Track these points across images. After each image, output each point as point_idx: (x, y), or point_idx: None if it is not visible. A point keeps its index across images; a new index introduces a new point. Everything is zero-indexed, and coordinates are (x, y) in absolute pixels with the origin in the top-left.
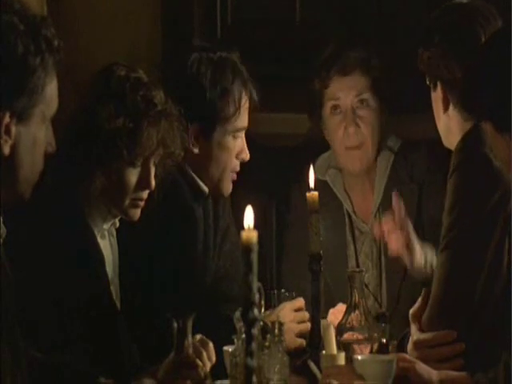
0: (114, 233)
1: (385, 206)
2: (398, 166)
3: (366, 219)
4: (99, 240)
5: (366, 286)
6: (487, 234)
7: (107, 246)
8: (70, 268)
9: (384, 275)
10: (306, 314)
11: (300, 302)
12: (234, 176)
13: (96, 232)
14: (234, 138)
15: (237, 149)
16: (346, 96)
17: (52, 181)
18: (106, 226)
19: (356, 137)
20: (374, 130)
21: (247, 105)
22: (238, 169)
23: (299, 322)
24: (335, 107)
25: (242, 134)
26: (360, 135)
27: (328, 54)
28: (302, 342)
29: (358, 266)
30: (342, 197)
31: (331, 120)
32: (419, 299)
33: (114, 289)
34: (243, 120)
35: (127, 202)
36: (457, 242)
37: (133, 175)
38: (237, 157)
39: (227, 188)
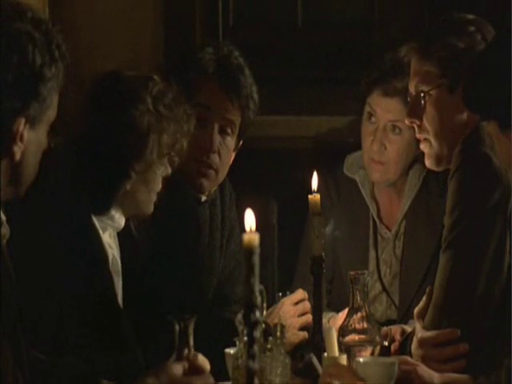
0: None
1: (410, 216)
2: (429, 179)
3: (389, 226)
4: (108, 237)
5: (386, 290)
6: (488, 234)
7: (115, 245)
8: (73, 268)
9: (399, 284)
10: (307, 305)
11: (298, 294)
12: None
13: (107, 232)
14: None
15: None
16: (382, 115)
17: (59, 182)
18: (121, 223)
19: (379, 154)
20: (401, 154)
21: None
22: None
23: (300, 315)
24: (370, 115)
25: None
26: (385, 155)
27: (376, 74)
28: (304, 334)
29: (378, 271)
30: (368, 200)
31: (365, 123)
32: (423, 298)
33: (118, 285)
34: None
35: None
36: (458, 243)
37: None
38: None
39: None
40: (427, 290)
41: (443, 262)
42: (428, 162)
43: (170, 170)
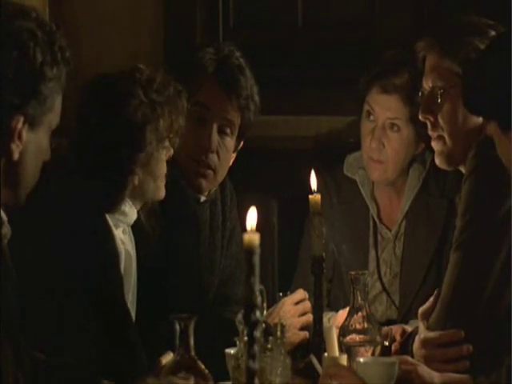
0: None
1: (410, 216)
2: (429, 179)
3: (389, 226)
4: (121, 233)
5: (386, 290)
6: (499, 239)
7: (129, 240)
8: (83, 267)
9: (399, 283)
10: (307, 305)
11: (299, 294)
12: None
13: (120, 228)
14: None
15: None
16: (380, 113)
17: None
18: (133, 217)
19: (378, 153)
20: (399, 152)
21: None
22: None
23: (301, 315)
24: (369, 113)
25: None
26: (383, 154)
27: (375, 71)
28: (305, 334)
29: (378, 271)
30: (368, 200)
31: (364, 122)
32: (430, 299)
33: (135, 286)
34: None
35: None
36: (468, 245)
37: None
38: None
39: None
40: (435, 292)
41: (452, 263)
42: (438, 160)
43: (172, 151)
